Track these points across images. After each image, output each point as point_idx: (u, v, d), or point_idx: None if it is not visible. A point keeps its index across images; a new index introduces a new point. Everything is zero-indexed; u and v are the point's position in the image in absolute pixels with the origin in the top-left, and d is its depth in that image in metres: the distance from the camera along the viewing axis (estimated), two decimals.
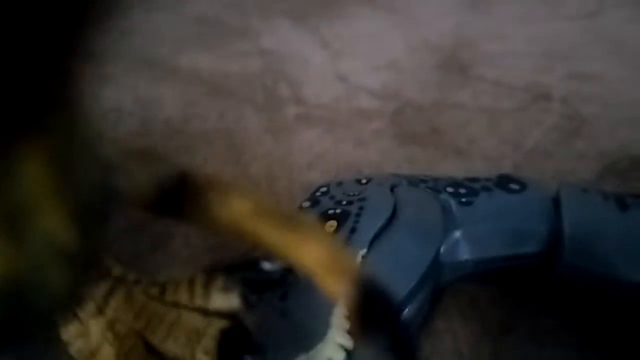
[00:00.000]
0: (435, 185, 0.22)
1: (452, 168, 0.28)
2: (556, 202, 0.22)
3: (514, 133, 0.29)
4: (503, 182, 0.23)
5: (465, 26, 0.35)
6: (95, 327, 0.18)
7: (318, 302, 0.17)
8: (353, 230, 0.20)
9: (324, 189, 0.23)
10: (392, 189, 0.22)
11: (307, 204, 0.22)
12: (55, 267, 0.14)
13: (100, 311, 0.18)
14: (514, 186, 0.23)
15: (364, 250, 0.20)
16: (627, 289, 0.20)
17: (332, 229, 0.21)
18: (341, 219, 0.21)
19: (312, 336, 0.17)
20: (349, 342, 0.17)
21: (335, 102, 0.29)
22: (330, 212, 0.21)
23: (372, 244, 0.20)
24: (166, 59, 0.32)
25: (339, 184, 0.23)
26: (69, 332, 0.18)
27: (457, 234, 0.21)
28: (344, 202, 0.22)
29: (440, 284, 0.22)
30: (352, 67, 0.31)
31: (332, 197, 0.22)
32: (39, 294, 0.14)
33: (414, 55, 0.32)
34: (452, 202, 0.22)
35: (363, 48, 0.32)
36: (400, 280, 0.19)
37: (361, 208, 0.21)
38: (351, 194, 0.22)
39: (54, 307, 0.14)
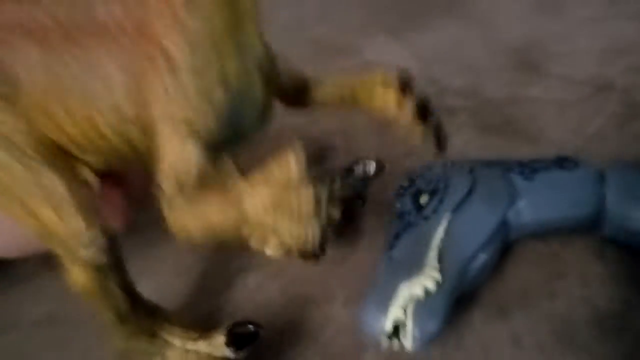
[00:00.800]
0: (505, 167, 0.30)
1: (524, 152, 0.34)
2: (602, 176, 0.29)
3: (579, 121, 0.35)
4: (559, 162, 0.30)
5: (535, 29, 0.41)
6: None
7: (418, 246, 0.26)
8: (441, 201, 0.28)
9: (417, 173, 0.31)
10: (470, 171, 0.29)
11: (405, 183, 0.30)
12: (260, 85, 0.21)
13: None
14: (568, 165, 0.30)
15: (448, 216, 0.28)
16: None
17: (425, 200, 0.29)
18: (432, 193, 0.29)
19: (413, 270, 0.25)
20: (438, 277, 0.25)
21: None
22: (423, 188, 0.29)
23: (454, 211, 0.28)
24: None
25: (429, 168, 0.30)
26: None
27: (521, 202, 0.29)
28: (434, 181, 0.29)
29: (508, 240, 0.29)
30: (440, 71, 0.38)
31: (424, 178, 0.30)
32: (251, 107, 0.21)
33: (491, 57, 0.39)
34: (518, 179, 0.29)
35: (448, 54, 0.39)
36: (474, 236, 0.27)
37: (446, 186, 0.29)
38: (439, 175, 0.30)
39: (257, 124, 0.21)
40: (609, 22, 0.42)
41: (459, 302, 0.28)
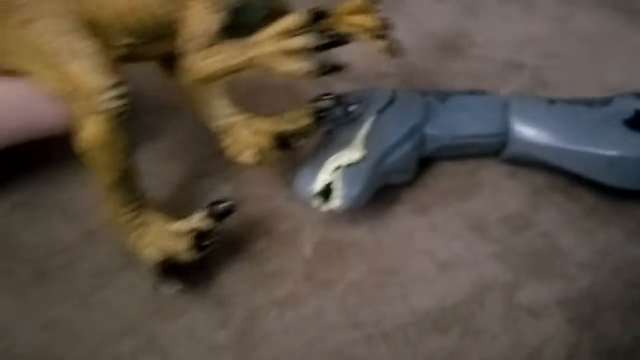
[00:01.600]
0: (422, 92, 0.35)
1: None
2: (507, 103, 0.35)
3: (492, 87, 0.41)
4: (471, 91, 0.36)
5: (457, 24, 0.49)
6: None
7: (346, 135, 0.31)
8: (367, 107, 0.34)
9: (348, 94, 0.36)
10: (392, 91, 0.35)
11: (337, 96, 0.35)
12: None
13: None
14: (478, 92, 0.36)
15: (373, 117, 0.33)
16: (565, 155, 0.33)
17: (353, 108, 0.34)
18: (359, 103, 0.34)
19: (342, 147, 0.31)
20: (363, 151, 0.30)
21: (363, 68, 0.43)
22: (353, 101, 0.34)
23: (377, 114, 0.33)
24: None
25: (358, 91, 0.36)
26: None
27: (436, 117, 0.34)
28: (361, 96, 0.35)
29: (425, 150, 0.34)
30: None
31: (353, 95, 0.35)
32: (253, 12, 0.27)
33: (419, 42, 0.46)
34: (434, 100, 0.35)
35: None
36: (395, 131, 0.32)
37: (372, 97, 0.34)
38: (366, 92, 0.35)
39: (256, 26, 0.27)
40: (523, 20, 0.50)
41: (385, 200, 0.33)
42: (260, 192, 0.35)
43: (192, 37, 0.29)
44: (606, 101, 0.34)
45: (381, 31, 0.33)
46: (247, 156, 0.32)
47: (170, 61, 0.32)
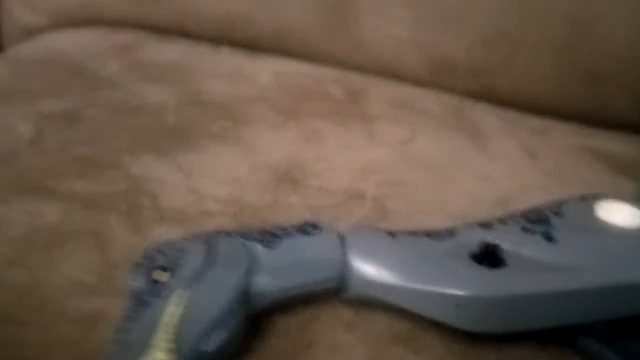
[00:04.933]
0: (245, 235, 0.31)
1: None
2: (343, 238, 0.32)
3: (332, 219, 0.38)
4: (303, 227, 0.32)
5: (297, 154, 0.46)
6: None
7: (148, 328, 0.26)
8: (173, 275, 0.29)
9: (156, 248, 0.31)
10: (206, 241, 0.31)
11: (141, 260, 0.31)
12: None
13: None
14: (311, 230, 0.32)
15: (188, 290, 0.28)
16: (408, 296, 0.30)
17: (160, 276, 0.29)
18: (167, 268, 0.30)
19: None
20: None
21: (185, 207, 0.39)
22: (160, 264, 0.30)
23: (187, 285, 0.28)
24: None
25: (169, 242, 0.31)
26: None
27: (263, 270, 0.30)
28: (171, 255, 0.30)
29: (253, 312, 0.30)
30: (202, 183, 0.41)
31: (160, 252, 0.31)
32: None
33: (254, 174, 0.43)
34: (259, 247, 0.31)
35: (211, 170, 0.43)
36: (210, 311, 0.28)
37: (180, 259, 0.30)
38: (177, 248, 0.31)
39: None
40: (364, 147, 0.48)
41: None
42: None
43: None
44: (450, 233, 0.32)
45: None
46: None
47: None
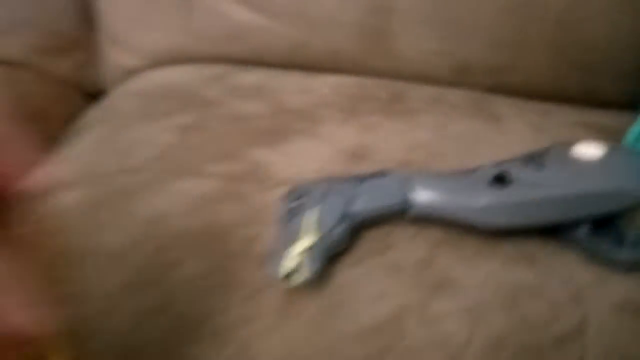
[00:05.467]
0: (343, 179, 0.50)
1: None
2: (408, 178, 0.50)
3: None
4: (377, 173, 0.51)
5: (361, 139, 0.65)
6: None
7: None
8: (306, 199, 0.48)
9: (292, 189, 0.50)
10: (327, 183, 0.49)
11: (283, 197, 0.49)
12: None
13: None
14: (382, 174, 0.50)
15: (318, 206, 0.47)
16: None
17: (295, 204, 0.47)
18: (303, 198, 0.48)
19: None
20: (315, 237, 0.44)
21: (291, 177, 0.57)
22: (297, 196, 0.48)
23: (320, 203, 0.47)
24: None
25: (301, 185, 0.50)
26: None
27: (356, 198, 0.49)
28: (304, 191, 0.49)
29: (353, 224, 0.48)
30: (299, 162, 0.59)
31: (297, 191, 0.49)
32: None
33: (332, 154, 0.61)
34: (354, 184, 0.49)
35: (304, 154, 0.61)
36: (331, 217, 0.46)
37: (309, 192, 0.49)
38: (306, 188, 0.49)
39: None
40: (409, 133, 0.66)
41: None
42: None
43: None
44: (474, 170, 0.50)
45: None
46: None
47: None
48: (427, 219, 0.49)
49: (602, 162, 0.49)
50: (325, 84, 0.75)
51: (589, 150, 0.50)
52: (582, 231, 0.48)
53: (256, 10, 0.78)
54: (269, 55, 0.81)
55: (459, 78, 0.78)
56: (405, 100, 0.72)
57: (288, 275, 0.42)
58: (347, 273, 0.46)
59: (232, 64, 0.80)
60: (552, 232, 0.48)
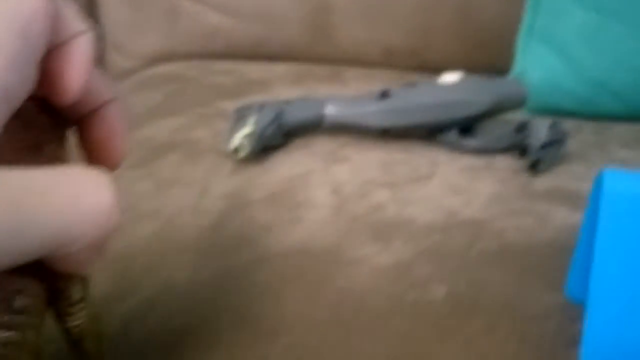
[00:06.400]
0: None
1: None
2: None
3: None
4: (298, 99, 0.73)
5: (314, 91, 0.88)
6: None
7: None
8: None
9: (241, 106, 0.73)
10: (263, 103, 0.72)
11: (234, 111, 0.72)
12: None
13: None
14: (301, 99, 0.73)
15: (255, 115, 0.70)
16: None
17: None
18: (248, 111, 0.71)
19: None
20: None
21: None
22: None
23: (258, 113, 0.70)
24: None
25: (246, 104, 0.73)
26: None
27: (285, 113, 0.71)
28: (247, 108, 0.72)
29: (284, 129, 0.71)
30: None
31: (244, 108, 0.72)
32: None
33: None
34: (281, 104, 0.72)
35: None
36: (264, 120, 0.69)
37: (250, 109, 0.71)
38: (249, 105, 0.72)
39: None
40: (354, 91, 0.89)
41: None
42: None
43: None
44: (367, 93, 0.73)
45: None
46: None
47: None
48: (336, 127, 0.71)
49: (458, 84, 0.71)
50: (280, 67, 0.99)
51: (450, 77, 0.72)
52: (451, 134, 0.70)
53: (227, 13, 1.03)
54: (237, 49, 1.05)
55: (387, 60, 1.01)
56: (342, 77, 0.95)
57: (235, 151, 0.65)
58: (277, 156, 0.68)
59: (208, 58, 1.04)
60: (429, 136, 0.70)
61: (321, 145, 0.68)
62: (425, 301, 0.41)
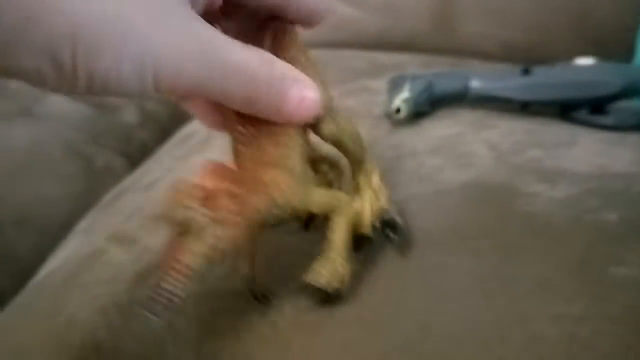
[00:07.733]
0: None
1: None
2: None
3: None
4: (445, 71, 0.82)
5: None
6: None
7: None
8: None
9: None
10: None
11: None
12: None
13: None
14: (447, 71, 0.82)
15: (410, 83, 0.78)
16: None
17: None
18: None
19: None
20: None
21: None
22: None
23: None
24: None
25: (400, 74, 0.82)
26: None
27: (434, 84, 0.80)
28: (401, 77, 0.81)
29: (432, 98, 0.80)
30: None
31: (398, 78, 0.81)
32: None
33: None
34: (430, 76, 0.81)
35: None
36: (418, 89, 0.78)
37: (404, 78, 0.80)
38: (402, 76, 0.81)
39: None
40: None
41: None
42: None
43: None
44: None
45: None
46: None
47: None
48: (479, 100, 0.79)
49: (594, 65, 0.79)
50: (403, 57, 1.08)
51: (586, 60, 0.80)
52: (582, 112, 0.78)
53: (352, 4, 1.13)
54: (362, 39, 1.15)
55: (506, 54, 1.09)
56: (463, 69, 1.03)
57: (397, 112, 0.73)
58: (428, 121, 0.76)
59: (334, 47, 1.14)
60: (562, 114, 0.78)
61: (466, 114, 0.76)
62: (601, 221, 0.48)
